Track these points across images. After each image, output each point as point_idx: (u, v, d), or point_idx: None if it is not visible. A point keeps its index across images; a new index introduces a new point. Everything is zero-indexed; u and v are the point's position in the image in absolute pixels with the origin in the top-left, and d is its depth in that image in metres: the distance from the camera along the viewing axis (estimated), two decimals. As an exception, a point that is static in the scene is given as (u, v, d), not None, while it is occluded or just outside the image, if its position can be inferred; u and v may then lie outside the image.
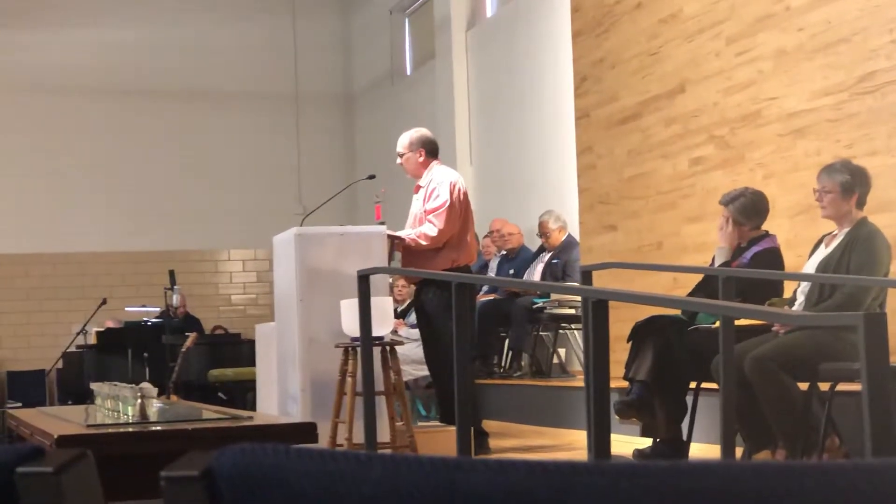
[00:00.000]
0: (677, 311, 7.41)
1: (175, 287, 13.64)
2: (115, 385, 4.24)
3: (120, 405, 3.85)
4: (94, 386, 4.57)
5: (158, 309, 14.83)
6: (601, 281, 9.08)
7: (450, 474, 0.71)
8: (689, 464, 0.67)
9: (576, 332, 11.58)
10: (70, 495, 0.85)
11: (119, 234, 17.64)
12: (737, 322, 5.95)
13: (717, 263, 7.32)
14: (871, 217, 6.62)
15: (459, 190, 8.50)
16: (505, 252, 12.66)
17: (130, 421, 3.53)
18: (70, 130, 17.71)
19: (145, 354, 13.31)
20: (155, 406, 3.83)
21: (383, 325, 7.83)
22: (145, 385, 3.91)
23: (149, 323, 14.27)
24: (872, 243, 6.46)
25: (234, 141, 18.40)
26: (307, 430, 3.32)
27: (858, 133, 8.07)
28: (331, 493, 0.72)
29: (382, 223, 8.98)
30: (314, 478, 0.73)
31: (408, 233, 8.50)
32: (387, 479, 0.71)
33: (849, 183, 6.53)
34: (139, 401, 3.67)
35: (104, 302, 14.73)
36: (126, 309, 15.07)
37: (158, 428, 3.34)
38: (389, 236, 8.39)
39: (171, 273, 13.63)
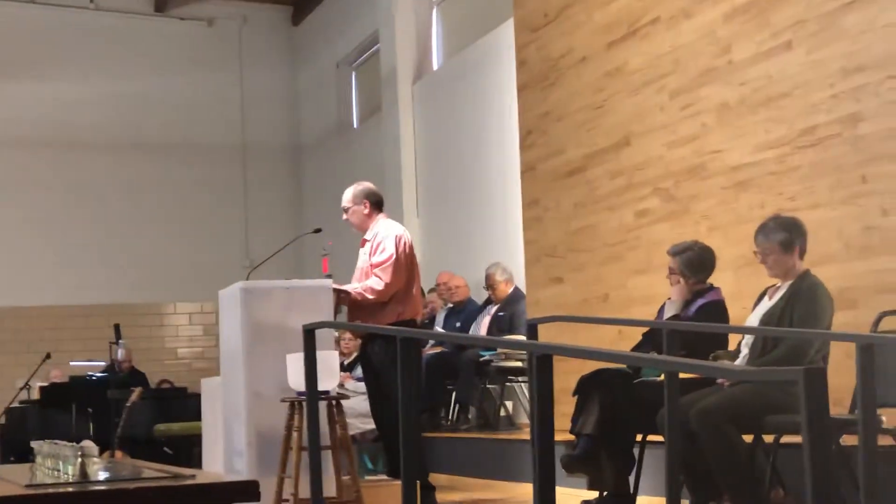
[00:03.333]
0: (623, 365, 7.43)
1: (120, 341, 13.57)
2: (56, 443, 4.19)
3: (60, 464, 3.81)
4: (34, 444, 4.52)
5: (104, 363, 14.73)
6: (547, 334, 9.10)
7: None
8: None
9: (523, 384, 11.58)
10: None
11: (66, 287, 17.52)
12: (682, 375, 5.97)
13: (665, 316, 7.35)
14: (814, 269, 6.67)
15: (405, 243, 8.50)
16: (451, 305, 12.66)
17: (70, 480, 3.49)
18: (15, 183, 17.62)
19: (90, 409, 13.18)
20: (96, 465, 3.78)
21: (329, 379, 7.80)
22: (86, 443, 3.87)
23: (94, 377, 14.15)
24: (815, 295, 6.50)
25: (182, 193, 18.35)
26: (250, 489, 3.29)
27: (801, 186, 8.15)
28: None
29: (329, 276, 8.99)
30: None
31: (354, 287, 8.49)
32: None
33: (787, 239, 6.59)
34: (79, 460, 3.63)
35: (48, 356, 14.60)
36: (71, 363, 14.95)
37: (99, 488, 3.31)
38: (335, 290, 8.37)
39: (117, 327, 13.57)
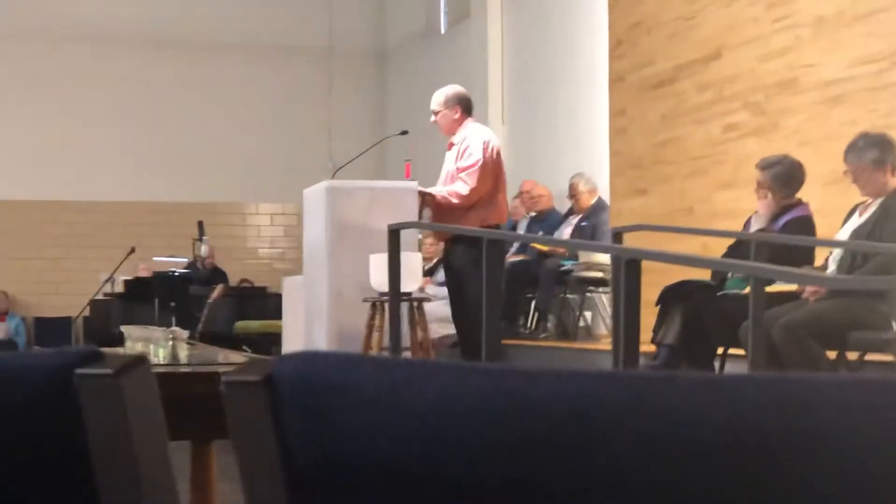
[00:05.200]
0: (707, 277, 7.39)
1: (203, 238, 13.68)
2: (146, 327, 4.25)
3: (151, 347, 3.85)
4: (124, 328, 4.57)
5: (186, 260, 14.87)
6: (631, 243, 9.06)
7: (516, 382, 0.70)
8: (763, 377, 0.66)
9: (603, 295, 11.56)
10: (129, 398, 0.85)
11: (148, 184, 17.66)
12: (767, 289, 5.92)
13: (752, 229, 7.29)
14: (907, 186, 6.58)
15: (492, 149, 8.46)
16: (534, 214, 12.62)
17: (162, 362, 3.53)
18: (102, 79, 17.71)
19: (172, 304, 13.34)
20: (186, 349, 3.83)
21: (412, 280, 7.84)
22: (176, 328, 3.92)
23: (176, 273, 14.30)
24: (906, 213, 6.42)
25: (266, 94, 18.37)
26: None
27: (895, 103, 8.02)
28: (393, 400, 0.72)
29: (413, 181, 8.95)
30: (376, 384, 0.73)
31: (439, 190, 8.47)
32: (453, 387, 0.71)
33: (879, 157, 6.50)
34: (171, 343, 3.68)
35: (133, 251, 14.78)
36: (154, 259, 15.09)
37: (191, 370, 3.34)
38: (420, 192, 8.37)
39: (200, 224, 13.67)
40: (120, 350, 4.31)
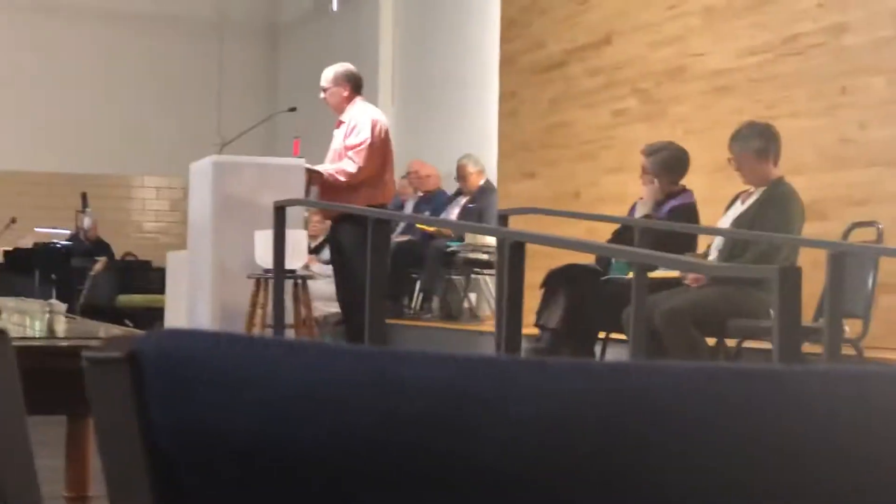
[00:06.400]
0: (592, 261, 7.45)
1: (87, 210, 13.50)
2: (23, 300, 4.17)
3: (27, 320, 3.78)
4: None
5: (69, 231, 14.65)
6: (517, 227, 9.09)
7: (386, 364, 0.69)
8: (639, 365, 0.65)
9: (488, 278, 11.59)
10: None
11: (31, 153, 17.33)
12: (650, 275, 5.98)
13: (637, 215, 7.36)
14: (787, 178, 6.68)
15: (381, 128, 8.45)
16: (421, 194, 12.62)
17: (38, 336, 3.46)
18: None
19: (53, 276, 13.15)
20: (64, 322, 3.76)
21: (297, 258, 7.80)
22: (54, 301, 3.84)
23: (58, 245, 14.09)
24: (786, 203, 6.52)
25: (155, 65, 18.13)
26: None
27: (781, 94, 8.13)
28: (261, 379, 0.70)
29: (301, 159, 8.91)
30: (243, 363, 0.71)
31: (326, 168, 8.45)
32: (320, 367, 0.69)
33: (762, 147, 6.59)
34: (48, 316, 3.61)
35: (13, 221, 14.52)
36: (36, 229, 14.85)
37: (68, 343, 3.28)
38: (308, 170, 8.33)
39: (84, 196, 13.49)
40: (-5, 322, 4.23)
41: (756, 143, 6.58)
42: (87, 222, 13.85)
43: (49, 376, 3.04)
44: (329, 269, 9.60)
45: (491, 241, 10.41)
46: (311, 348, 0.70)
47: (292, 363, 0.69)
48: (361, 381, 0.67)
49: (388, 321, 10.02)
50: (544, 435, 0.67)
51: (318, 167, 8.43)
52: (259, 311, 7.87)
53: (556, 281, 7.25)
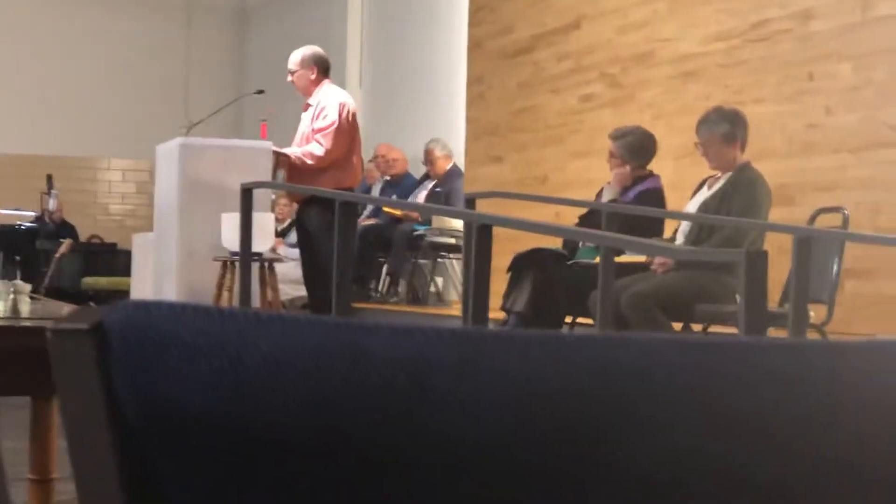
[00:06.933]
0: (558, 245, 7.46)
1: (52, 192, 13.43)
2: (-13, 280, 4.14)
3: (-9, 300, 3.76)
4: (-36, 280, 4.45)
5: (33, 213, 14.56)
6: (485, 210, 9.09)
7: (353, 335, 0.68)
8: (608, 336, 0.65)
9: (454, 261, 11.60)
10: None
11: (-4, 134, 17.22)
12: (616, 259, 5.99)
13: (604, 199, 7.37)
14: (755, 163, 6.70)
15: (348, 111, 8.44)
16: (389, 178, 12.61)
17: (2, 316, 3.45)
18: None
19: (17, 258, 13.07)
20: (28, 303, 3.74)
21: (263, 240, 7.79)
22: (18, 282, 3.82)
23: (22, 227, 14.01)
24: (753, 188, 6.54)
25: (121, 45, 18.01)
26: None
27: (748, 80, 8.15)
28: (227, 351, 0.70)
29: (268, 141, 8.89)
30: (210, 335, 0.71)
31: (294, 151, 8.44)
32: (286, 338, 0.69)
33: (729, 131, 6.61)
34: (12, 296, 3.59)
35: (-24, 203, 14.43)
36: (0, 211, 14.75)
37: (32, 324, 3.27)
38: (275, 153, 8.32)
39: (49, 177, 13.41)
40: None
41: (723, 128, 6.61)
42: (52, 204, 13.78)
43: (13, 357, 3.03)
44: (296, 251, 9.59)
45: (458, 224, 10.41)
46: (277, 320, 0.70)
47: (258, 334, 0.69)
48: (326, 353, 0.67)
49: (354, 305, 10.03)
50: (514, 405, 0.67)
51: (286, 150, 8.43)
52: (225, 294, 7.86)
53: (523, 265, 7.26)
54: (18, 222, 14.18)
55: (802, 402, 0.66)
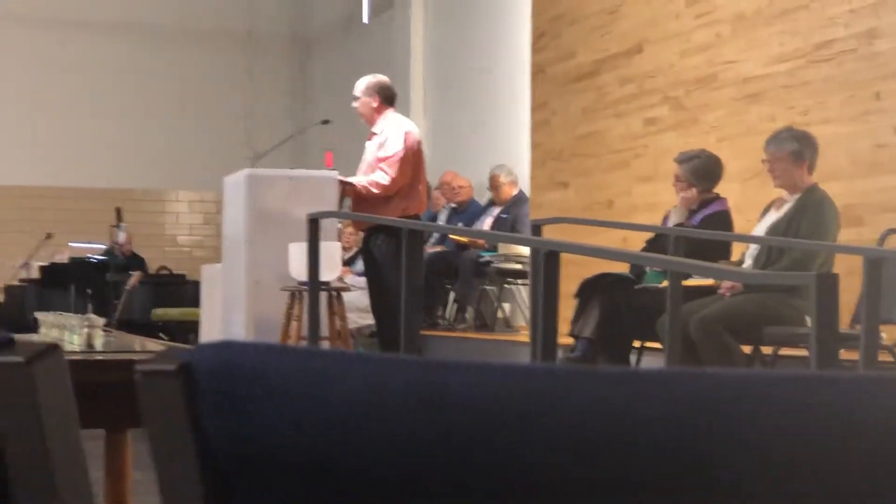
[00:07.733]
0: (626, 270, 7.44)
1: (121, 224, 13.55)
2: (61, 314, 4.20)
3: (66, 334, 3.80)
4: (38, 315, 4.51)
5: (103, 246, 14.70)
6: (551, 236, 9.09)
7: (437, 375, 0.69)
8: (691, 371, 0.66)
9: (521, 287, 11.58)
10: (41, 386, 0.84)
11: (66, 169, 17.42)
12: (684, 283, 5.97)
13: (671, 223, 7.34)
14: (822, 185, 6.66)
15: (413, 140, 8.47)
16: (454, 205, 12.63)
17: (77, 349, 3.49)
18: (19, 60, 17.45)
19: (89, 291, 13.21)
20: (102, 336, 3.79)
21: (331, 270, 7.82)
22: (91, 315, 3.87)
23: (93, 260, 14.16)
24: (821, 210, 6.50)
25: (185, 79, 18.19)
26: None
27: (812, 101, 8.10)
28: (312, 390, 0.71)
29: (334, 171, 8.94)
30: (295, 374, 0.72)
31: (359, 179, 8.47)
32: (371, 378, 0.70)
33: (798, 150, 6.57)
34: (86, 330, 3.63)
35: (49, 236, 14.60)
36: (70, 244, 14.92)
37: (106, 357, 3.31)
38: (340, 182, 8.36)
39: (118, 210, 13.53)
40: (34, 337, 4.26)
41: (792, 146, 6.56)
42: (121, 237, 13.90)
43: (88, 391, 3.06)
44: (363, 280, 9.62)
45: (524, 250, 10.41)
46: (363, 360, 0.71)
47: (344, 375, 0.70)
48: (411, 393, 0.68)
49: (422, 332, 10.05)
50: (590, 445, 0.67)
51: (351, 179, 8.46)
52: (294, 324, 7.89)
53: (590, 290, 7.24)
54: (89, 255, 14.33)
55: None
